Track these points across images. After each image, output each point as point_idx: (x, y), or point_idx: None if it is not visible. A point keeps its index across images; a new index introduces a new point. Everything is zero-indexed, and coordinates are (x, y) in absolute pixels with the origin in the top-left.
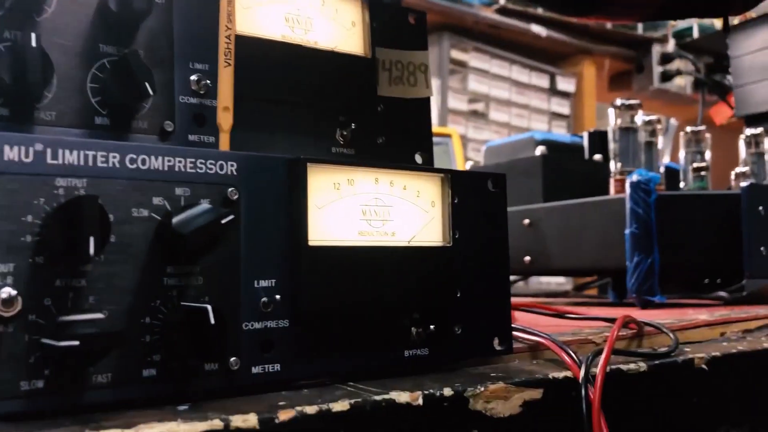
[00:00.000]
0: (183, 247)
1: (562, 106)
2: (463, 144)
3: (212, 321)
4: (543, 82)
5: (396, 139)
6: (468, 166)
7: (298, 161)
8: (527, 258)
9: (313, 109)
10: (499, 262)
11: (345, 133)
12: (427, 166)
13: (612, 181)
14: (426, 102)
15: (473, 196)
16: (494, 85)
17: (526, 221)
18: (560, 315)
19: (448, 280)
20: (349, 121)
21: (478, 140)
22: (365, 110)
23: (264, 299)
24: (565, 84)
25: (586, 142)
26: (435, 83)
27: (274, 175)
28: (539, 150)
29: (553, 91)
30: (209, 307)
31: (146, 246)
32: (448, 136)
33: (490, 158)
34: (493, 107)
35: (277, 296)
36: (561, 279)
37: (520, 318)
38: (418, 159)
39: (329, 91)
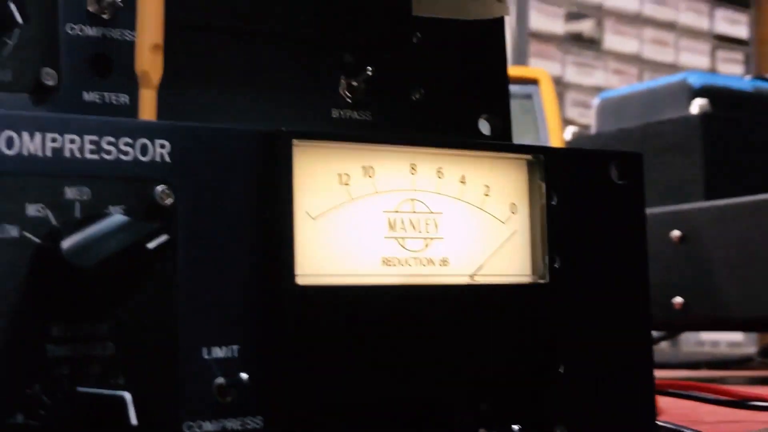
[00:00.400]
0: (81, 290)
1: (736, 25)
2: (558, 94)
3: (133, 421)
4: None
5: (443, 92)
6: (568, 134)
7: (278, 135)
8: (678, 300)
9: (299, 43)
10: (633, 310)
11: (355, 84)
12: (503, 142)
13: None
14: (497, 26)
15: (585, 195)
16: None
17: (676, 234)
18: (741, 402)
19: (542, 345)
20: (362, 63)
21: (584, 87)
22: (389, 43)
23: (220, 381)
24: None
25: None
26: None
27: (236, 162)
28: (697, 105)
29: None
30: (127, 396)
31: (15, 289)
32: (532, 81)
33: (607, 120)
34: (611, 27)
35: (243, 375)
36: (737, 336)
37: (668, 408)
38: (484, 128)
39: (327, 10)
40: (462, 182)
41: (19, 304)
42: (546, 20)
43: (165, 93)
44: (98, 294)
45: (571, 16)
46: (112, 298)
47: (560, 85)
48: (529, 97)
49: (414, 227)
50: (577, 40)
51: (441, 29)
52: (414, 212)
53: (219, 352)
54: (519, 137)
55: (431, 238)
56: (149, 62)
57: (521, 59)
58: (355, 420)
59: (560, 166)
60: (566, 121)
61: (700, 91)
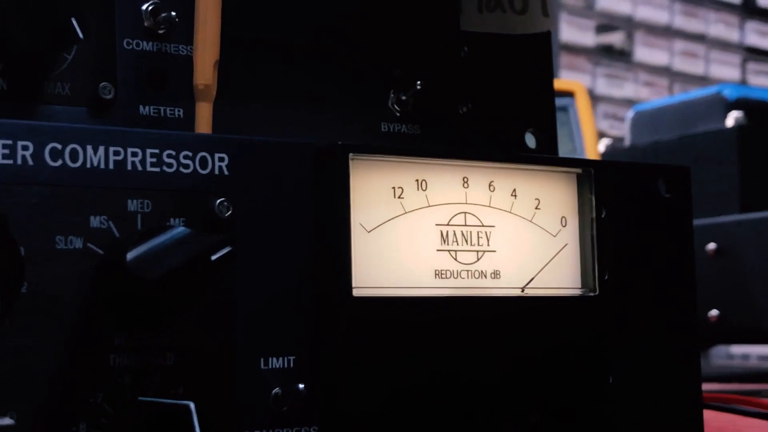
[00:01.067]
0: (144, 302)
1: (766, 37)
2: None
3: (196, 429)
4: None
5: (490, 106)
6: (602, 147)
7: (334, 150)
8: (714, 312)
9: (349, 57)
10: (680, 322)
11: (404, 97)
12: (554, 156)
13: None
14: (543, 41)
15: (634, 208)
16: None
17: (711, 246)
18: None
19: (591, 357)
20: (411, 77)
21: (615, 99)
22: (439, 58)
23: (277, 390)
24: None
25: None
26: None
27: (292, 175)
28: (732, 118)
29: (749, 9)
30: (191, 405)
31: (80, 300)
32: (568, 94)
33: (642, 133)
34: (641, 39)
35: (300, 385)
36: (766, 350)
37: (707, 420)
38: (530, 141)
39: (377, 25)
40: (513, 196)
41: (83, 314)
42: (577, 32)
43: (218, 106)
44: (161, 305)
45: (602, 29)
46: (174, 309)
47: (591, 97)
48: (564, 109)
49: (466, 240)
50: (607, 52)
51: (488, 44)
52: (466, 225)
53: (276, 362)
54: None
55: (483, 251)
56: (208, 77)
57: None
58: (408, 429)
59: (609, 179)
60: (598, 133)
61: (735, 104)
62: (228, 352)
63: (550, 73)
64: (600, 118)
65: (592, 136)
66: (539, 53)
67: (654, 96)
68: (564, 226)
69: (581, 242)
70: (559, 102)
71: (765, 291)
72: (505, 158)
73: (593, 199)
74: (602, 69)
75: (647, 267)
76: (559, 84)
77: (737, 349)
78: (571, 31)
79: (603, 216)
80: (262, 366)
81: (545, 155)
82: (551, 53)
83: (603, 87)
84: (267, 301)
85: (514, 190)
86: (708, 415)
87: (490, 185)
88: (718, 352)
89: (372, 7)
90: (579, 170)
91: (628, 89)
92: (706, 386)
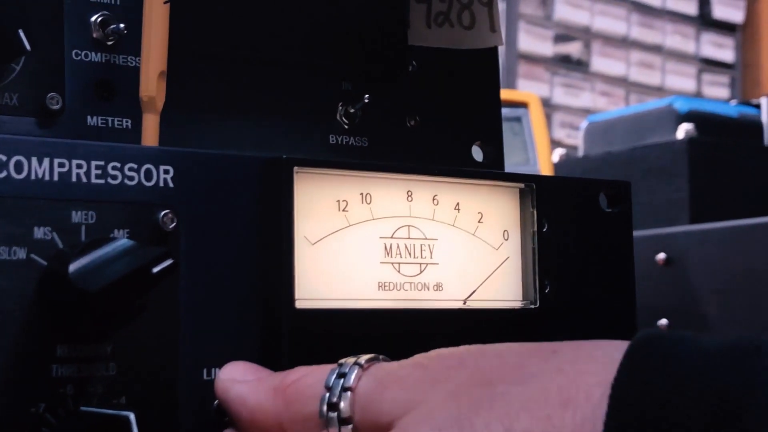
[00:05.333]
0: (86, 313)
1: (722, 49)
2: (546, 115)
3: None
4: (688, 6)
5: (438, 119)
6: (556, 157)
7: (279, 163)
8: (662, 322)
9: (298, 70)
10: (621, 334)
11: (352, 110)
12: (496, 171)
13: None
14: (490, 56)
15: (575, 222)
16: (600, 10)
17: (661, 256)
18: None
19: None
20: (359, 91)
21: (571, 109)
22: (387, 71)
23: (218, 402)
24: (727, 10)
25: (766, 115)
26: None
27: (237, 188)
28: (683, 130)
29: (705, 21)
30: (131, 416)
31: (22, 311)
32: (522, 104)
33: (595, 143)
34: (598, 50)
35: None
36: None
37: None
38: (477, 154)
39: (325, 38)
40: (456, 209)
41: (26, 324)
42: (535, 42)
43: (166, 118)
44: (103, 316)
45: (560, 38)
46: (116, 320)
47: (548, 107)
48: (518, 120)
49: (409, 253)
50: (565, 61)
51: (436, 59)
52: (409, 238)
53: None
54: (509, 159)
55: (426, 264)
56: (154, 88)
57: (510, 80)
58: None
59: (551, 194)
60: (553, 142)
61: (687, 116)
62: (171, 362)
63: (497, 88)
64: (557, 127)
65: (545, 147)
66: (486, 68)
67: (610, 106)
68: (506, 240)
69: (523, 255)
70: (513, 113)
71: (713, 301)
72: (449, 172)
73: (535, 213)
74: (559, 78)
75: (588, 280)
76: (513, 95)
77: None
78: (529, 41)
79: (544, 230)
80: (205, 377)
81: (488, 170)
82: (498, 68)
83: (560, 96)
84: (211, 312)
85: (458, 203)
86: None
87: (433, 199)
88: None
89: (321, 20)
90: (521, 185)
91: (584, 99)
92: None
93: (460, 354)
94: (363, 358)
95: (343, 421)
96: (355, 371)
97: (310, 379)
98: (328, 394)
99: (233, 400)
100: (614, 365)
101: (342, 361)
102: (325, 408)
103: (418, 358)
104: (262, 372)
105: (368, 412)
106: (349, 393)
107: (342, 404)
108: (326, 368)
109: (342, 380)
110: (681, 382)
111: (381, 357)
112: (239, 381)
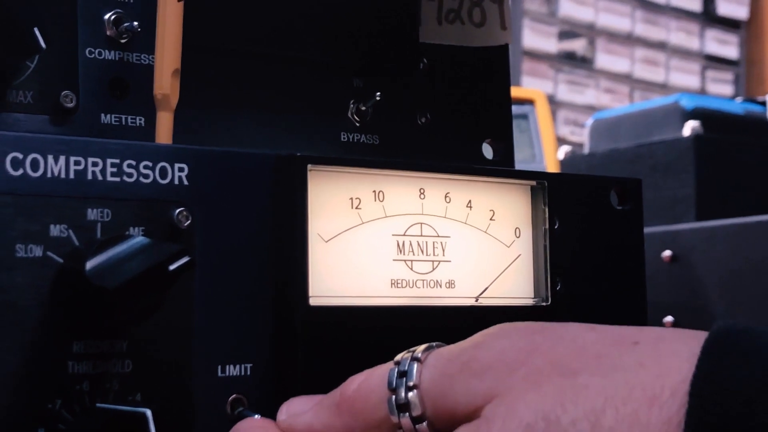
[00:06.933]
0: (102, 309)
1: (726, 46)
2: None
3: None
4: (692, 2)
5: (449, 117)
6: (561, 154)
7: (292, 160)
8: (668, 319)
9: (310, 67)
10: None
11: (363, 108)
12: (508, 168)
13: None
14: (501, 53)
15: (586, 219)
16: (604, 6)
17: (667, 254)
18: None
19: None
20: (371, 88)
21: (576, 106)
22: (398, 68)
23: (233, 397)
24: (731, 6)
25: None
26: None
27: (251, 185)
28: (689, 127)
29: (709, 18)
30: (148, 412)
31: (39, 308)
32: (528, 101)
33: (601, 140)
34: (603, 47)
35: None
36: None
37: None
38: (487, 152)
39: (337, 36)
40: (468, 207)
41: (42, 321)
42: (539, 39)
43: (179, 116)
44: (119, 313)
45: (564, 35)
46: (132, 317)
47: (552, 104)
48: (525, 117)
49: (422, 250)
50: (569, 58)
51: (447, 56)
52: (422, 235)
53: (233, 370)
54: (515, 156)
55: (438, 261)
56: (168, 86)
57: (514, 77)
58: None
59: (562, 191)
60: (558, 139)
61: (693, 114)
62: (185, 359)
63: (507, 85)
64: (561, 124)
65: (551, 144)
66: (497, 65)
67: (615, 103)
68: (518, 237)
69: (534, 253)
70: (519, 110)
71: (718, 298)
72: (461, 170)
73: (546, 210)
74: (564, 75)
75: (599, 277)
76: (519, 92)
77: None
78: (534, 38)
79: (556, 227)
80: (219, 373)
81: (500, 168)
82: (508, 65)
83: (564, 93)
84: (225, 309)
85: (470, 201)
86: None
87: (446, 196)
88: None
89: (333, 18)
90: (533, 182)
91: (589, 96)
92: None
93: (528, 334)
94: (419, 351)
95: (416, 420)
96: (415, 366)
97: (371, 384)
98: (394, 396)
99: None
100: (696, 361)
101: (398, 358)
102: (395, 410)
103: (478, 338)
104: (317, 397)
105: (441, 406)
106: (414, 391)
107: (411, 404)
108: (383, 369)
109: (404, 379)
110: (763, 382)
111: (435, 344)
112: (300, 414)
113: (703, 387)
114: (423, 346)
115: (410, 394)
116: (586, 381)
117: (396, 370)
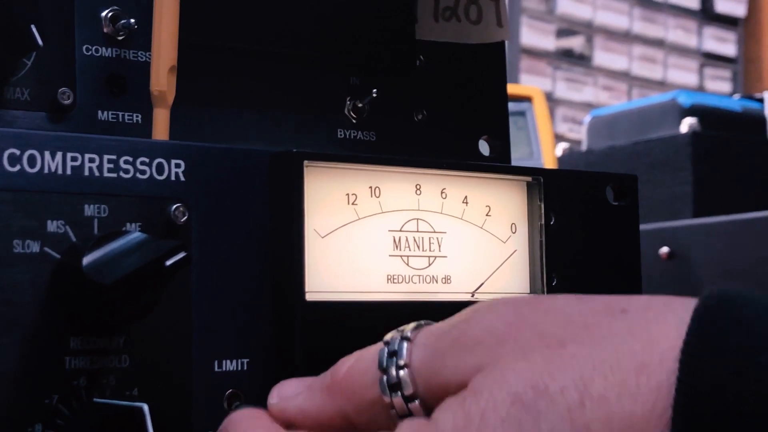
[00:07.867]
0: (100, 305)
1: (724, 43)
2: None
3: (149, 430)
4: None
5: (446, 113)
6: (559, 151)
7: (289, 157)
8: None
9: (307, 65)
10: None
11: (360, 104)
12: (504, 164)
13: None
14: (497, 50)
15: (582, 215)
16: (602, 4)
17: (664, 250)
18: None
19: None
20: (367, 85)
21: (574, 103)
22: (394, 66)
23: (230, 391)
24: (729, 4)
25: None
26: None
27: (248, 181)
28: (687, 124)
29: (707, 15)
30: (145, 407)
31: (36, 304)
32: (526, 99)
33: (598, 137)
34: (601, 44)
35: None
36: None
37: None
38: (484, 148)
39: (333, 33)
40: (464, 203)
41: (39, 317)
42: (537, 36)
43: (176, 112)
44: (116, 309)
45: (562, 33)
46: (130, 313)
47: (550, 101)
48: (522, 114)
49: (418, 246)
50: (567, 56)
51: (443, 53)
52: (418, 231)
53: (230, 365)
54: (513, 153)
55: (434, 257)
56: (164, 83)
57: (512, 75)
58: None
59: (558, 187)
60: (556, 136)
61: (690, 111)
62: (183, 354)
63: (503, 82)
64: (559, 121)
65: (549, 141)
66: (493, 62)
67: (613, 100)
68: (514, 233)
69: (530, 248)
70: (517, 107)
71: None
72: (457, 166)
73: (542, 206)
74: (562, 73)
75: (595, 273)
76: (517, 89)
77: None
78: (532, 35)
79: (552, 223)
80: (216, 368)
81: (496, 164)
82: (505, 62)
83: (562, 91)
84: (221, 304)
85: (466, 197)
86: None
87: (442, 192)
88: None
89: (329, 15)
90: (529, 178)
91: (587, 93)
92: None
93: (516, 307)
94: (408, 329)
95: (408, 399)
96: (405, 345)
97: (362, 365)
98: (385, 377)
99: (294, 417)
100: (686, 329)
101: (387, 338)
102: (387, 390)
103: (467, 313)
104: (308, 379)
105: (432, 383)
106: (405, 369)
107: (403, 383)
108: (373, 350)
109: (395, 358)
110: (755, 348)
111: (424, 322)
112: (291, 397)
113: (693, 354)
114: (412, 325)
115: (401, 372)
116: (575, 350)
117: (386, 350)
